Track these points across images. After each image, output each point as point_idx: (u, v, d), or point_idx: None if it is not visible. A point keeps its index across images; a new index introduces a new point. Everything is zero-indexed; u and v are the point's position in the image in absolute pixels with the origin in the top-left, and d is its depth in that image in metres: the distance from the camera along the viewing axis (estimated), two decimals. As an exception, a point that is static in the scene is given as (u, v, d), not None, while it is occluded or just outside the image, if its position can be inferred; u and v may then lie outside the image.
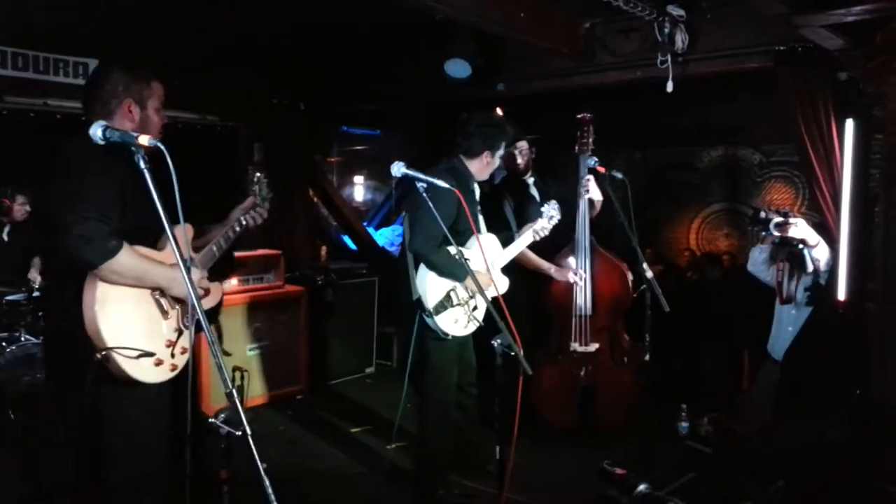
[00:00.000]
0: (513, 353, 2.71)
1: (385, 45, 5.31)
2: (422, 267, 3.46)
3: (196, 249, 2.62)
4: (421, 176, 2.94)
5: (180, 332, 2.44)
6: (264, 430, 4.34)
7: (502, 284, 3.66)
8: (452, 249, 3.40)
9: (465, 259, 3.22)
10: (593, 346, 4.20)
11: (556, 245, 4.34)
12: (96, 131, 2.10)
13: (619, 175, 4.16)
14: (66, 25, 4.69)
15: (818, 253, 3.81)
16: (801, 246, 3.83)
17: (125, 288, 2.28)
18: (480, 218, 3.70)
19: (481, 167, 3.67)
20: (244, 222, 2.75)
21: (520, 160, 4.48)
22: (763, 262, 4.14)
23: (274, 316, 5.24)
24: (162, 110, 2.53)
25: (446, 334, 3.50)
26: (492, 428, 2.97)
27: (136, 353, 2.25)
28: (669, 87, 4.33)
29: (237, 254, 5.08)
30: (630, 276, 4.21)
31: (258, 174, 2.86)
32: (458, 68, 4.88)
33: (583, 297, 4.19)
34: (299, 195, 6.61)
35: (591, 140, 4.12)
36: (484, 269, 3.36)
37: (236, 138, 6.34)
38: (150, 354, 2.30)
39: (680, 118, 6.71)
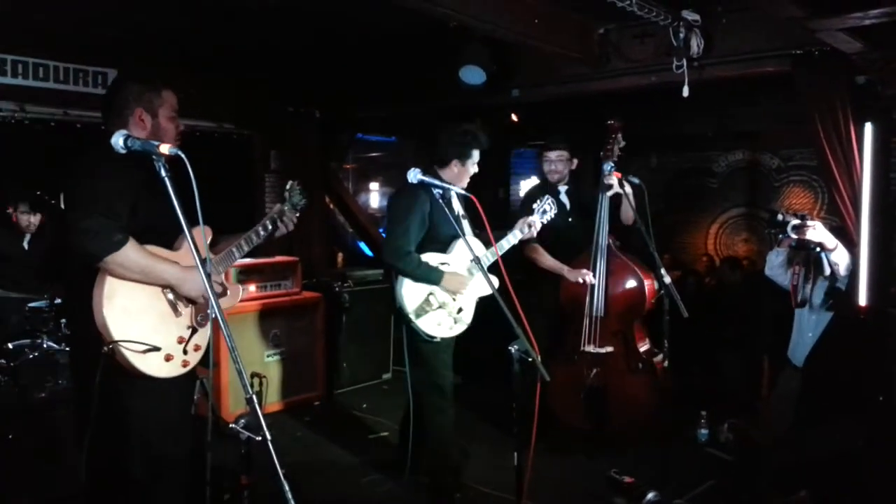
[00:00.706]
0: (530, 360, 2.70)
1: (399, 53, 5.34)
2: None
3: (216, 253, 2.68)
4: (437, 182, 2.96)
5: (194, 330, 2.50)
6: (282, 435, 4.35)
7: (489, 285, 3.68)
8: (429, 256, 3.59)
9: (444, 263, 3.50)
10: (605, 349, 4.18)
11: (578, 248, 4.36)
12: (118, 140, 2.15)
13: (636, 180, 4.16)
14: (86, 36, 4.77)
15: (836, 257, 3.78)
16: (818, 250, 3.80)
17: (135, 284, 2.34)
18: (465, 223, 3.75)
19: (453, 176, 3.72)
20: (269, 227, 2.80)
21: (546, 168, 4.49)
22: (780, 265, 4.10)
23: (291, 322, 5.26)
24: (177, 118, 2.59)
25: (432, 336, 3.59)
26: (509, 434, 2.97)
27: (142, 348, 2.30)
28: (685, 91, 4.32)
29: (255, 261, 5.13)
30: (653, 283, 4.18)
31: (291, 181, 2.93)
32: (472, 75, 4.89)
33: (596, 299, 4.18)
34: (315, 202, 6.65)
35: (617, 147, 4.11)
36: (465, 270, 3.59)
37: (252, 146, 6.41)
38: (157, 349, 2.35)
39: (697, 123, 6.70)
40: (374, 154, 8.97)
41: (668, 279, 3.86)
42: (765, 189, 6.93)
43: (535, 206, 3.93)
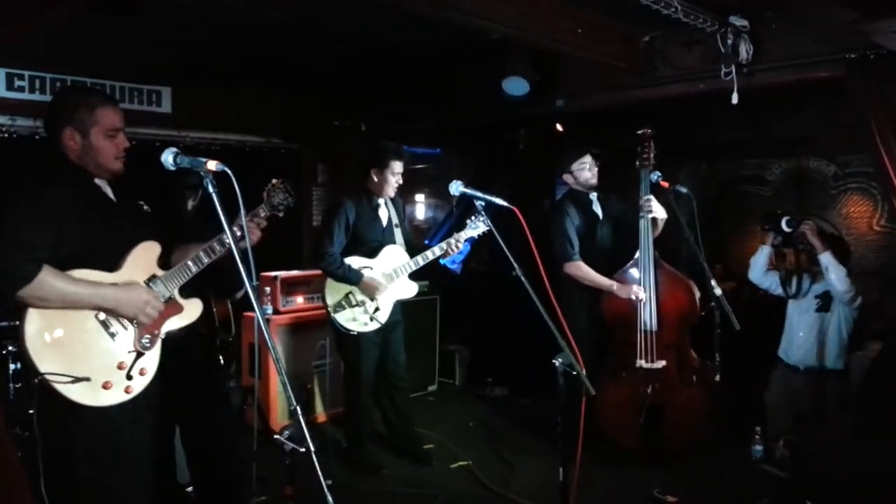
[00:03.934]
0: (574, 373, 2.67)
1: (442, 65, 5.37)
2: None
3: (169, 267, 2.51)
4: (479, 194, 2.97)
5: (139, 354, 2.36)
6: (328, 446, 4.38)
7: (409, 290, 4.35)
8: (353, 259, 4.13)
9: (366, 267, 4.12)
10: (660, 363, 4.10)
11: (618, 263, 4.29)
12: (167, 157, 2.21)
13: (684, 190, 4.10)
14: (140, 56, 4.95)
15: (824, 259, 4.13)
16: (808, 248, 4.24)
17: (58, 312, 2.20)
18: (397, 231, 4.36)
19: (373, 185, 4.24)
20: (237, 235, 2.42)
21: (586, 176, 4.43)
22: (763, 265, 4.49)
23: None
24: (117, 136, 2.41)
25: (348, 330, 4.14)
26: (554, 448, 2.93)
27: (68, 379, 2.18)
28: (735, 98, 4.22)
29: (301, 273, 5.21)
30: (697, 293, 4.10)
31: (274, 180, 2.70)
32: (516, 86, 4.88)
33: (648, 313, 4.11)
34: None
35: (652, 155, 4.11)
36: (383, 275, 4.14)
37: (300, 160, 6.52)
38: (87, 379, 2.21)
39: (748, 129, 6.52)
40: (419, 166, 9.01)
41: (718, 291, 3.78)
42: (821, 197, 6.71)
43: (468, 221, 4.02)
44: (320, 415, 5.16)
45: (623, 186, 4.75)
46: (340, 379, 5.26)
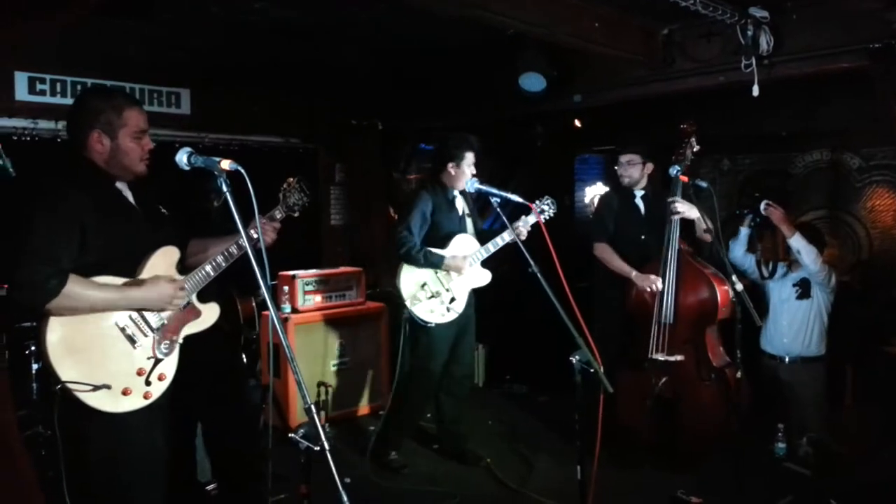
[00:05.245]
0: (592, 370, 2.65)
1: (458, 62, 5.35)
2: (401, 265, 4.11)
3: (194, 267, 2.52)
4: (495, 191, 2.96)
5: (157, 360, 2.38)
6: (347, 444, 4.40)
7: (483, 278, 4.28)
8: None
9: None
10: (675, 357, 4.04)
11: (649, 256, 4.27)
12: (182, 157, 2.22)
13: (704, 184, 4.04)
14: (157, 58, 4.99)
15: (794, 242, 4.25)
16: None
17: (80, 320, 2.23)
18: (468, 221, 4.33)
19: (450, 178, 4.17)
20: (242, 242, 2.36)
21: (618, 172, 4.47)
22: (742, 246, 4.53)
23: (356, 332, 5.32)
24: (143, 137, 2.41)
25: (425, 322, 4.07)
26: (573, 446, 2.91)
27: (88, 388, 2.20)
28: (755, 91, 4.16)
29: (320, 272, 5.23)
30: (727, 291, 4.02)
31: (290, 179, 2.69)
32: (532, 82, 4.85)
33: (666, 306, 4.06)
34: (380, 212, 6.74)
35: (690, 152, 4.02)
36: (459, 262, 4.08)
37: (317, 159, 6.54)
38: (107, 387, 2.24)
39: (770, 123, 6.44)
40: (437, 164, 9.00)
41: (739, 286, 3.71)
42: (845, 190, 6.60)
43: (534, 204, 3.91)
44: (338, 413, 5.16)
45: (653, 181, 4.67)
46: (358, 377, 5.32)
